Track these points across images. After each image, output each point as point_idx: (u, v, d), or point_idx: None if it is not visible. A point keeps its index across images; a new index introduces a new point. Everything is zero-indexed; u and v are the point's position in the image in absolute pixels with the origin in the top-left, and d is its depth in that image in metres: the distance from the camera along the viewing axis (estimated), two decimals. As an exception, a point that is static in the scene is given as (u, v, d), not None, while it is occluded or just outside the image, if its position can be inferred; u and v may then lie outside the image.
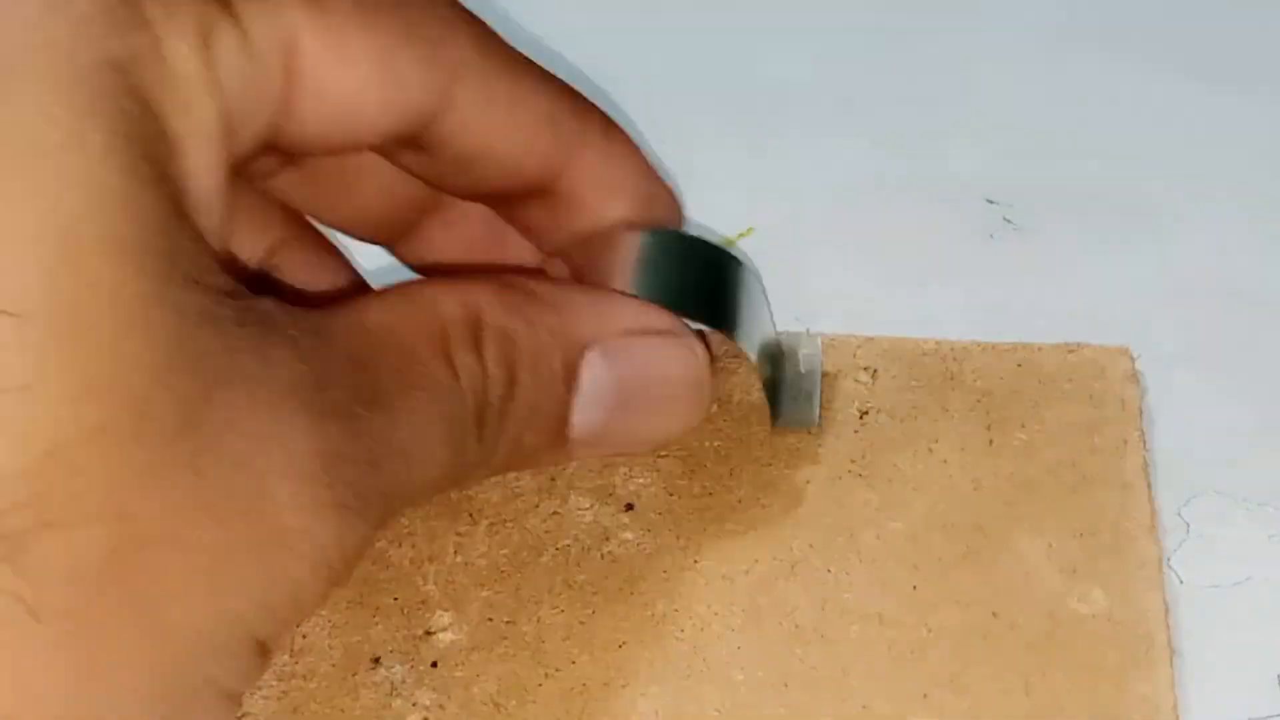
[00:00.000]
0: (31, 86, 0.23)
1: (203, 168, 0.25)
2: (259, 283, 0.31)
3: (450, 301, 0.28)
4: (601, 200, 0.32)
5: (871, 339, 0.36)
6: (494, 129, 0.30)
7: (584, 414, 0.30)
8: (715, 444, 0.34)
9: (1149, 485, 0.33)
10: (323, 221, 0.33)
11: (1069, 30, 0.45)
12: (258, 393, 0.24)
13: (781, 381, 0.34)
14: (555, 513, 0.33)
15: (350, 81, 0.27)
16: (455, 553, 0.32)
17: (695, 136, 0.38)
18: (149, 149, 0.24)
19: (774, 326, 0.34)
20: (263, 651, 0.25)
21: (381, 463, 0.26)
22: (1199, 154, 0.41)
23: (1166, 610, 0.31)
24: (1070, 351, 0.36)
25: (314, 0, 0.26)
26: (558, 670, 0.30)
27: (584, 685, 0.30)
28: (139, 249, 0.23)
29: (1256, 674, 0.30)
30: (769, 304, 0.33)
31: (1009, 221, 0.36)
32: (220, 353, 0.24)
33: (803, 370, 0.35)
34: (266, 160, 0.31)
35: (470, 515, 0.33)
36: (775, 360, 0.34)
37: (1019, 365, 0.36)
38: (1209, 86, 0.42)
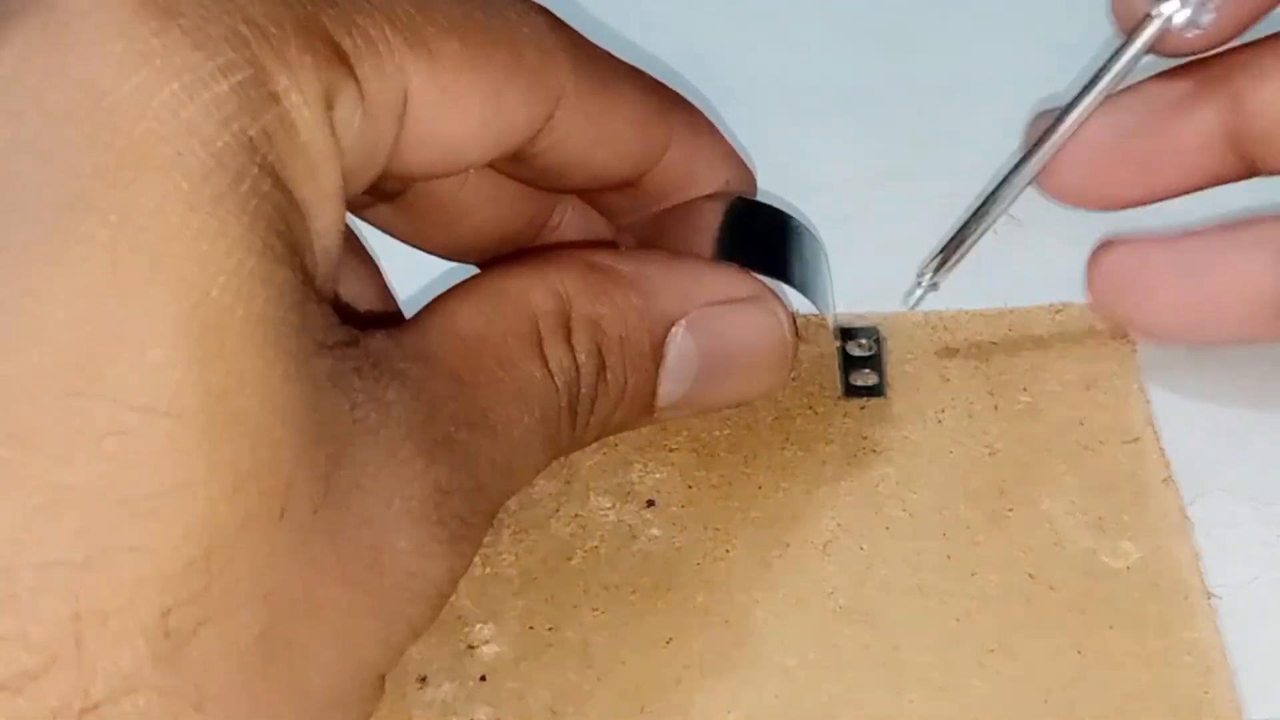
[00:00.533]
0: (172, 175, 0.22)
1: (325, 228, 0.25)
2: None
3: (539, 293, 0.29)
4: (686, 190, 0.32)
5: (861, 315, 0.36)
6: (588, 143, 0.30)
7: (670, 386, 0.31)
8: (725, 432, 0.34)
9: (1157, 435, 0.33)
10: (418, 248, 0.34)
11: (1072, 26, 0.45)
12: (379, 445, 0.25)
13: (848, 351, 0.35)
14: (577, 515, 0.32)
15: (459, 123, 0.27)
16: (483, 564, 0.32)
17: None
18: (281, 223, 0.24)
19: (834, 300, 0.34)
20: (382, 683, 0.26)
21: (486, 486, 0.28)
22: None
23: (1197, 556, 0.31)
24: (1057, 311, 0.36)
25: (423, 46, 0.26)
26: (609, 672, 0.30)
27: (638, 685, 0.29)
28: (277, 329, 0.23)
29: (1266, 674, 0.29)
30: (831, 279, 0.34)
31: (1012, 216, 0.36)
32: (346, 413, 0.25)
33: (865, 341, 0.35)
34: (362, 197, 0.31)
35: (491, 525, 0.32)
36: (840, 332, 0.35)
37: (1010, 329, 0.36)
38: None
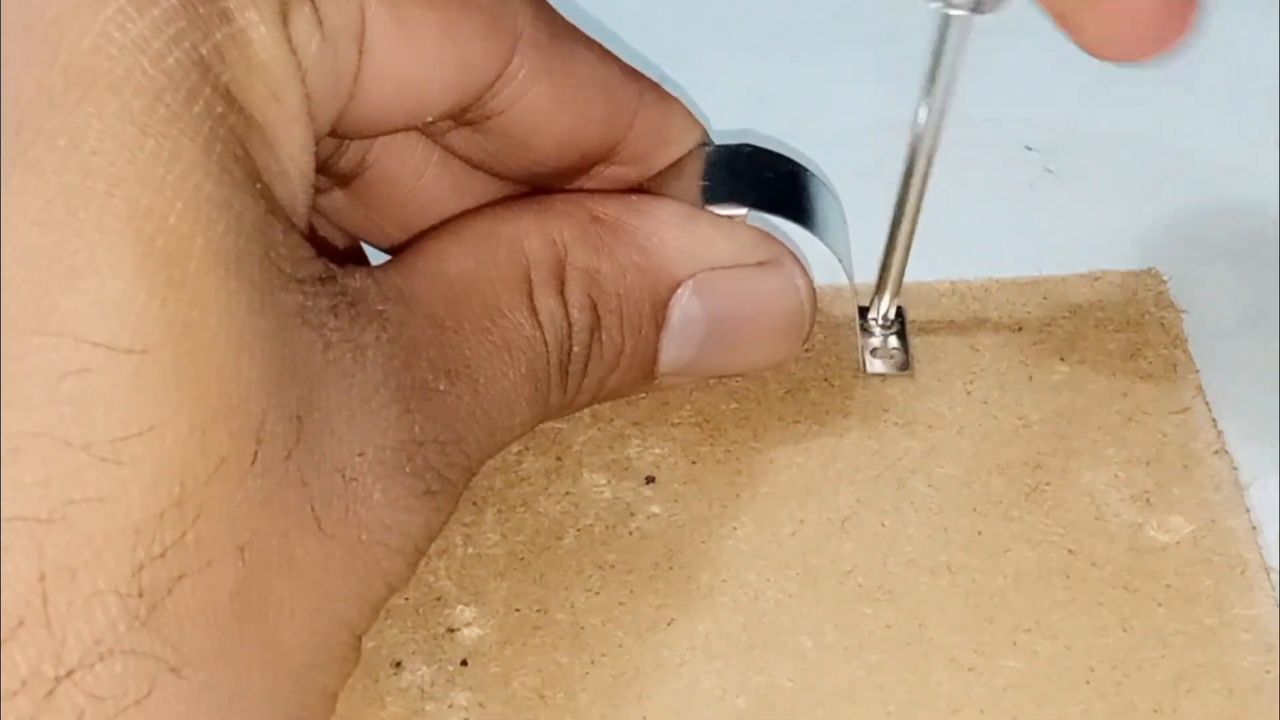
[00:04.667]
0: (122, 94, 0.22)
1: (294, 153, 0.25)
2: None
3: (534, 240, 0.29)
4: (665, 156, 0.32)
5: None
6: (551, 98, 0.29)
7: (673, 351, 0.31)
8: (732, 406, 0.33)
9: (1209, 405, 0.33)
10: (369, 242, 0.33)
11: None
12: (352, 389, 0.25)
13: (867, 328, 0.34)
14: (568, 493, 0.31)
15: (417, 57, 0.27)
16: (464, 544, 0.31)
17: (728, 78, 0.37)
18: (240, 147, 0.23)
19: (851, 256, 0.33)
20: (359, 644, 0.26)
21: (465, 438, 0.27)
22: (1253, 100, 0.40)
23: (1255, 529, 0.30)
24: (1095, 279, 0.36)
25: None
26: (603, 655, 0.29)
27: (636, 669, 0.29)
28: (240, 257, 0.23)
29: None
30: (847, 228, 0.33)
31: (1050, 171, 0.35)
32: (319, 352, 0.24)
33: (885, 315, 0.34)
34: (317, 177, 0.30)
35: (474, 503, 0.31)
36: (860, 310, 0.34)
37: (1045, 298, 0.35)
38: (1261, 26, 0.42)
